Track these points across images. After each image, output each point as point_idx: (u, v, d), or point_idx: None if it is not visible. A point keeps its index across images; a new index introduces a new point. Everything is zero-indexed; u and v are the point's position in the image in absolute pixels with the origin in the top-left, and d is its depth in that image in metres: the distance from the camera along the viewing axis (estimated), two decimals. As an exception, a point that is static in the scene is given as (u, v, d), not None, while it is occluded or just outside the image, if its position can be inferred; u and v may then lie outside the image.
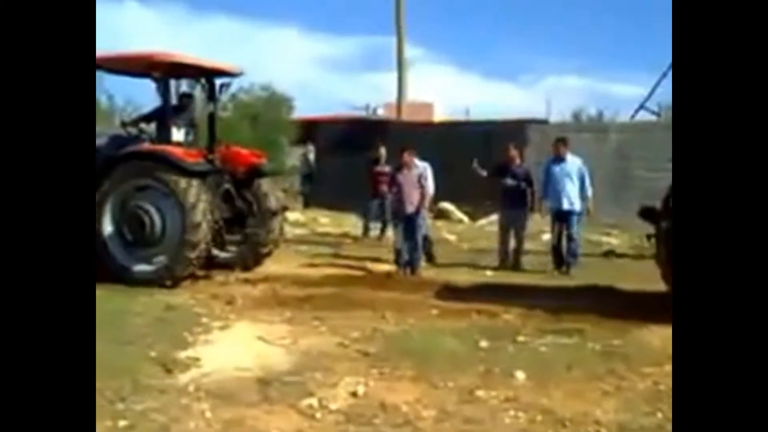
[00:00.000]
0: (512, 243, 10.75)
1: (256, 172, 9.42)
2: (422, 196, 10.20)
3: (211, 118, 9.60)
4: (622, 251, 12.48)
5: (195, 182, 8.27)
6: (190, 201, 8.14)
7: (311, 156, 19.85)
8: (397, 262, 10.27)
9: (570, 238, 10.39)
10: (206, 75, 9.45)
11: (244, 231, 9.37)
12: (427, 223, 10.99)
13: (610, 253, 12.26)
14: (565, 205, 10.29)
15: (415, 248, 10.22)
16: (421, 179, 10.23)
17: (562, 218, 10.40)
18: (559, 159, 10.49)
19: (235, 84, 11.86)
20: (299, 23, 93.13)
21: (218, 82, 9.51)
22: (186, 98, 9.82)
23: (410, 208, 10.10)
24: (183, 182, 8.19)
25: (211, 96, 9.59)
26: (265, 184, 9.57)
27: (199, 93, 10.81)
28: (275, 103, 24.61)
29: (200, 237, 8.22)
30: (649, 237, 7.18)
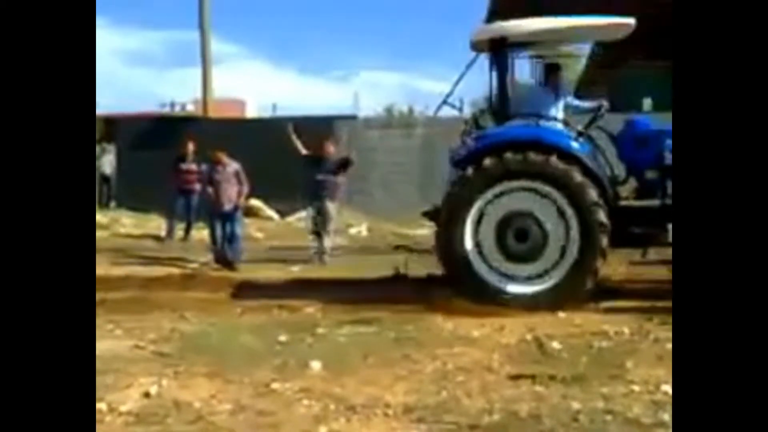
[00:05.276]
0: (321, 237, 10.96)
1: None
2: (239, 192, 10.50)
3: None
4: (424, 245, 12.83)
5: None
6: None
7: (105, 157, 18.95)
8: (217, 260, 10.34)
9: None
10: None
11: None
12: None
13: (400, 247, 12.42)
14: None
15: (234, 243, 10.44)
16: (239, 176, 10.50)
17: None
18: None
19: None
20: (105, 14, 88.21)
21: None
22: None
23: (228, 205, 10.31)
24: None
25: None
26: None
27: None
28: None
29: None
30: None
